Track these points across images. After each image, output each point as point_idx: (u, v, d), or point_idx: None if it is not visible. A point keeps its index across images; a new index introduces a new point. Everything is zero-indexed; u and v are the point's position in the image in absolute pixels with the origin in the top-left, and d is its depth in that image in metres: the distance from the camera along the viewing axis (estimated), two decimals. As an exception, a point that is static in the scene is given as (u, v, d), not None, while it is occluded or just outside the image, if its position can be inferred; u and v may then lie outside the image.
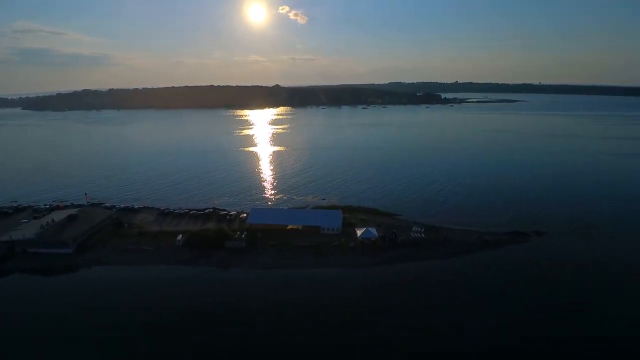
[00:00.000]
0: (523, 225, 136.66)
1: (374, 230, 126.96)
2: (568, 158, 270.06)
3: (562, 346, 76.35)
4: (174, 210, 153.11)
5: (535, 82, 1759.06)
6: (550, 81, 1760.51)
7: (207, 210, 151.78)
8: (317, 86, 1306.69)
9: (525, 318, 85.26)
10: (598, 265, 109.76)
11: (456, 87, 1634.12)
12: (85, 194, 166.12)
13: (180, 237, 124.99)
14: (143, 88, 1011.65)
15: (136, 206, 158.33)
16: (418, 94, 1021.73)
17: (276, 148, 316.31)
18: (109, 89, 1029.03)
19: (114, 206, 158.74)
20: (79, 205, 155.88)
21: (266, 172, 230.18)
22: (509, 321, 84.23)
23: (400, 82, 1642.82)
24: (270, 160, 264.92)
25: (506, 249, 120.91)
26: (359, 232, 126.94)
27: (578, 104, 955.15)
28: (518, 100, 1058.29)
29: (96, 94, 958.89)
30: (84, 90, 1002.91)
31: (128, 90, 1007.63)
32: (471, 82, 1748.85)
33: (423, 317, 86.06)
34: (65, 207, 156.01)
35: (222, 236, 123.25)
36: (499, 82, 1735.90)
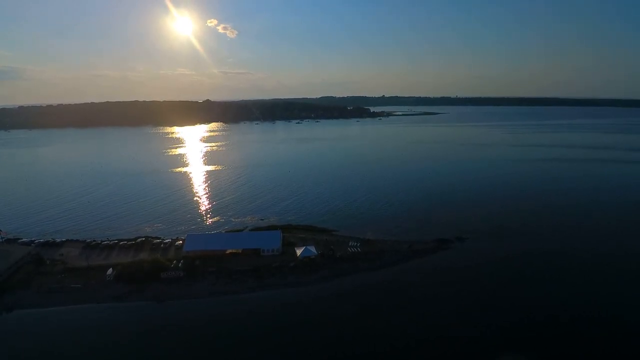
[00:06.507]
0: (447, 233, 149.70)
1: (312, 249, 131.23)
2: (482, 165, 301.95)
3: (488, 340, 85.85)
4: (102, 241, 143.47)
5: (453, 95, 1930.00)
6: (465, 94, 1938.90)
7: (138, 240, 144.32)
8: (249, 100, 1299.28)
9: (455, 319, 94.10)
10: (511, 262, 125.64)
11: (383, 100, 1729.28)
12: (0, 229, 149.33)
13: (110, 271, 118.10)
14: (58, 104, 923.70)
15: (58, 240, 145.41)
16: (349, 108, 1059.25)
17: (210, 167, 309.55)
18: (19, 106, 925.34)
19: (32, 241, 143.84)
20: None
21: (201, 194, 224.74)
22: (440, 323, 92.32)
23: (332, 97, 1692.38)
24: (205, 181, 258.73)
25: (433, 255, 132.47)
26: (298, 252, 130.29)
27: (488, 114, 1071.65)
28: (438, 113, 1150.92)
29: (4, 112, 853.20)
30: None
31: (41, 107, 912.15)
32: (396, 96, 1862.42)
33: (362, 325, 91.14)
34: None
35: (157, 267, 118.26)
36: (421, 96, 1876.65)
